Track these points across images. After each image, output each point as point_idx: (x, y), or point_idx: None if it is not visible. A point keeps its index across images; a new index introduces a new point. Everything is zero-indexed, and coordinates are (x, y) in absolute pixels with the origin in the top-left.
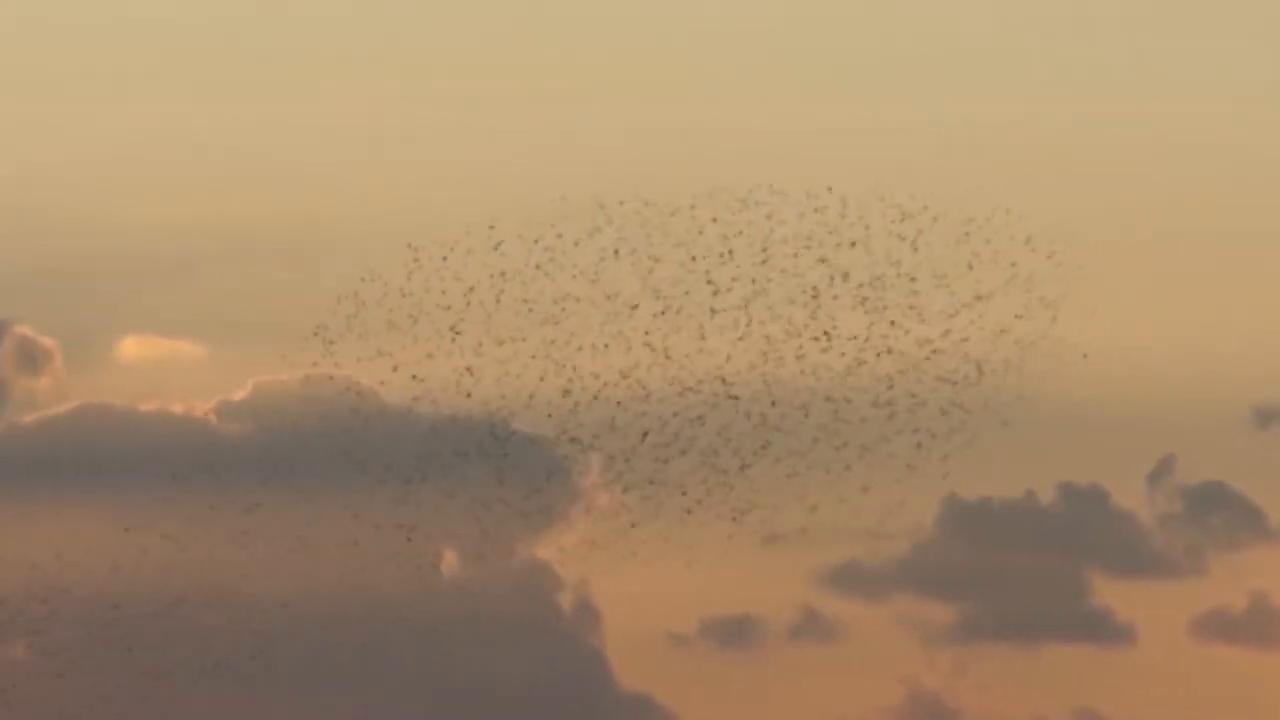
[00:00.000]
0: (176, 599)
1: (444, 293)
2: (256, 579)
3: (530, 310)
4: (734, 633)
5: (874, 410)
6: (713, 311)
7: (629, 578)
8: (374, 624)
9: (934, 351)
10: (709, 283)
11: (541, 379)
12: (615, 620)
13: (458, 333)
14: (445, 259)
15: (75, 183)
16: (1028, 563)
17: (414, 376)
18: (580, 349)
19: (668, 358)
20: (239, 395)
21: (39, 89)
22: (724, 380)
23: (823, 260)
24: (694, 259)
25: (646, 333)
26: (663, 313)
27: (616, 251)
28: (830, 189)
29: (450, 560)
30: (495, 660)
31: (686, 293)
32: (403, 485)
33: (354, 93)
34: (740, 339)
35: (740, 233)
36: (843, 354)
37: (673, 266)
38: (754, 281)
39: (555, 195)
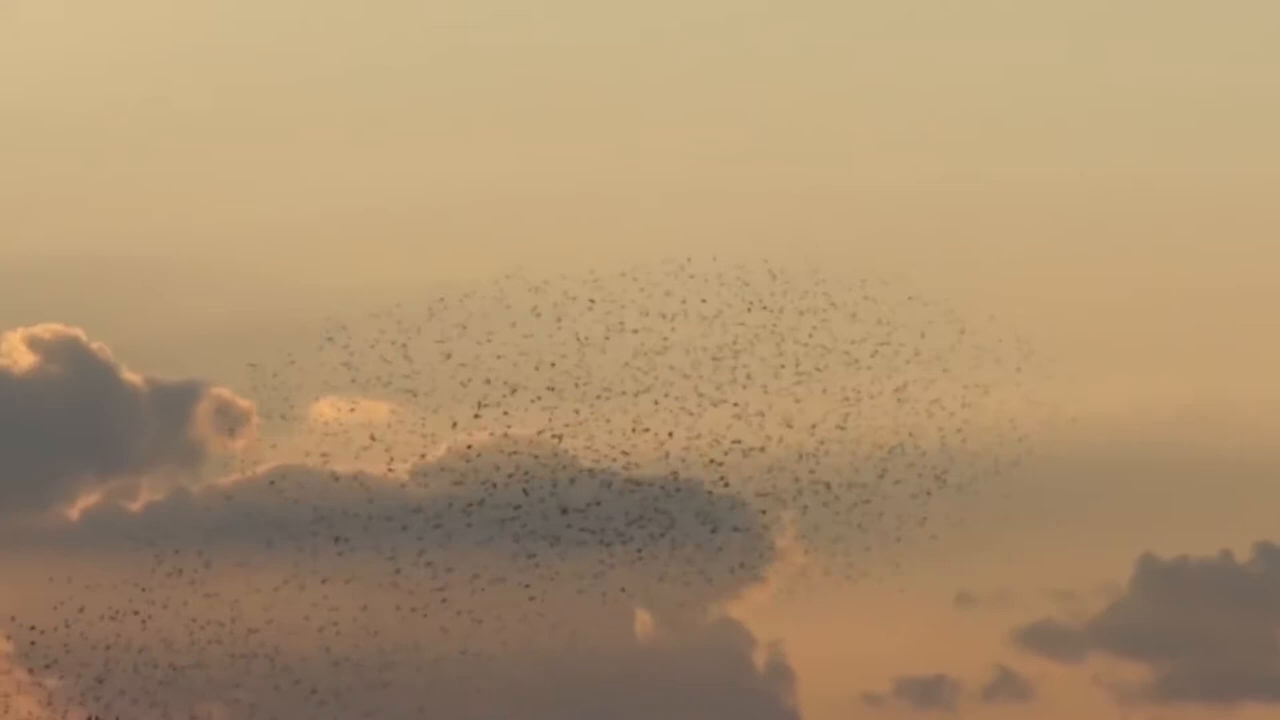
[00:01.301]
0: (371, 658)
1: (636, 356)
2: (450, 638)
3: (722, 370)
4: (929, 693)
5: (1067, 470)
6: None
7: (823, 637)
8: (568, 683)
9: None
10: (896, 347)
11: (737, 440)
12: (809, 680)
13: (645, 392)
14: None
15: (274, 244)
16: (1224, 621)
17: (600, 439)
18: (770, 408)
19: (859, 418)
20: (433, 456)
21: (239, 153)
22: (914, 439)
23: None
24: (883, 324)
25: (845, 397)
26: (857, 371)
27: (803, 312)
28: None
29: (644, 620)
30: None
31: (874, 353)
32: (598, 546)
33: (539, 152)
34: (934, 401)
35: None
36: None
37: (869, 326)
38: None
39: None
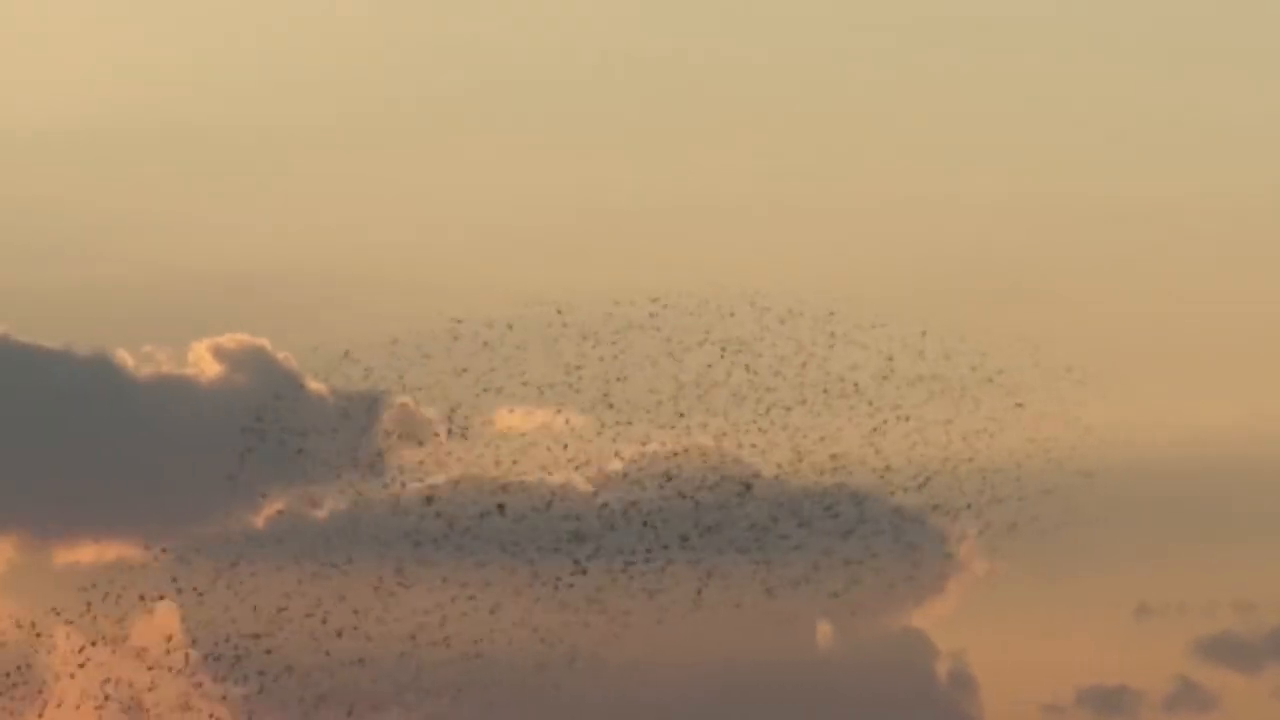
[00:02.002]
0: (549, 665)
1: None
2: (630, 646)
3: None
4: (1110, 703)
5: (1249, 479)
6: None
7: (1005, 647)
8: (748, 693)
9: None
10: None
11: (914, 445)
12: (991, 690)
13: (828, 403)
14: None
15: (455, 253)
16: None
17: (782, 449)
18: (956, 416)
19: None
20: (616, 466)
21: (417, 163)
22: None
23: None
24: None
25: (1018, 403)
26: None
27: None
28: None
29: (824, 630)
30: None
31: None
32: (779, 557)
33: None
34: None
35: None
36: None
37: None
38: None
39: None
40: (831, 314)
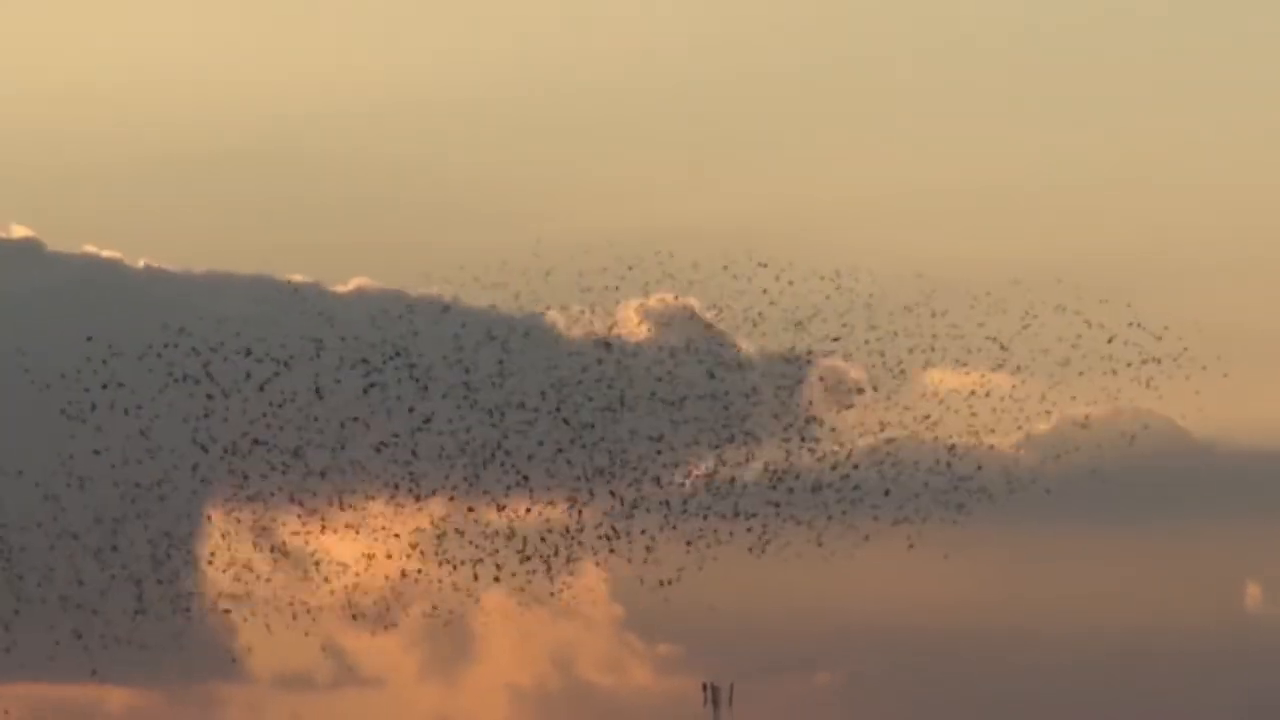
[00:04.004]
0: (973, 630)
1: None
2: (1056, 612)
3: None
4: None
5: None
6: None
7: None
8: (1176, 655)
9: None
10: None
11: None
12: None
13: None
14: None
15: (869, 215)
16: None
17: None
18: None
19: None
20: (1043, 428)
21: (835, 123)
22: None
23: None
24: None
25: None
26: None
27: None
28: None
29: (1254, 592)
30: None
31: None
32: (1207, 519)
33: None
34: None
35: None
36: None
37: None
38: None
39: None
40: None
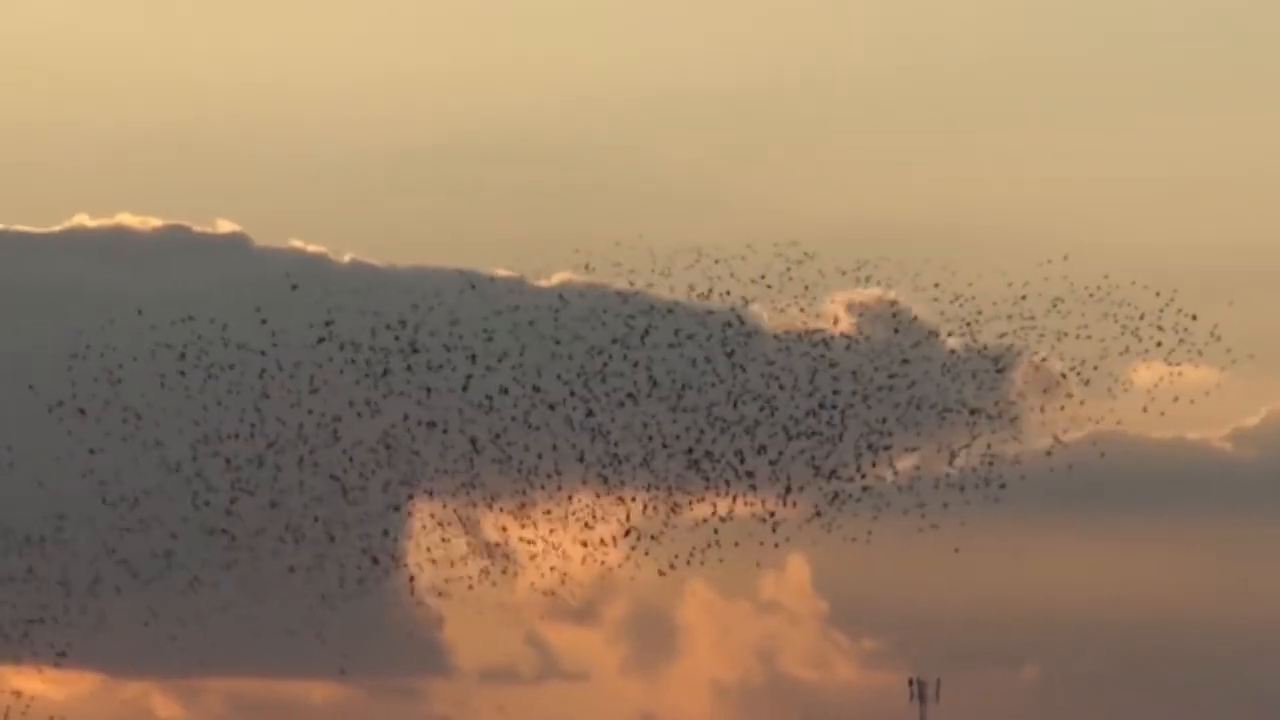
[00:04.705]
0: (1182, 623)
1: None
2: (1267, 606)
3: None
4: None
5: None
6: None
7: None
8: None
9: None
10: None
11: None
12: None
13: None
14: None
15: (1056, 208)
16: None
17: None
18: None
19: None
20: (1252, 422)
21: (1029, 119)
22: None
23: None
24: None
25: None
26: None
27: None
28: None
29: None
30: None
31: None
32: None
33: None
34: None
35: None
36: None
37: None
38: None
39: None
40: None
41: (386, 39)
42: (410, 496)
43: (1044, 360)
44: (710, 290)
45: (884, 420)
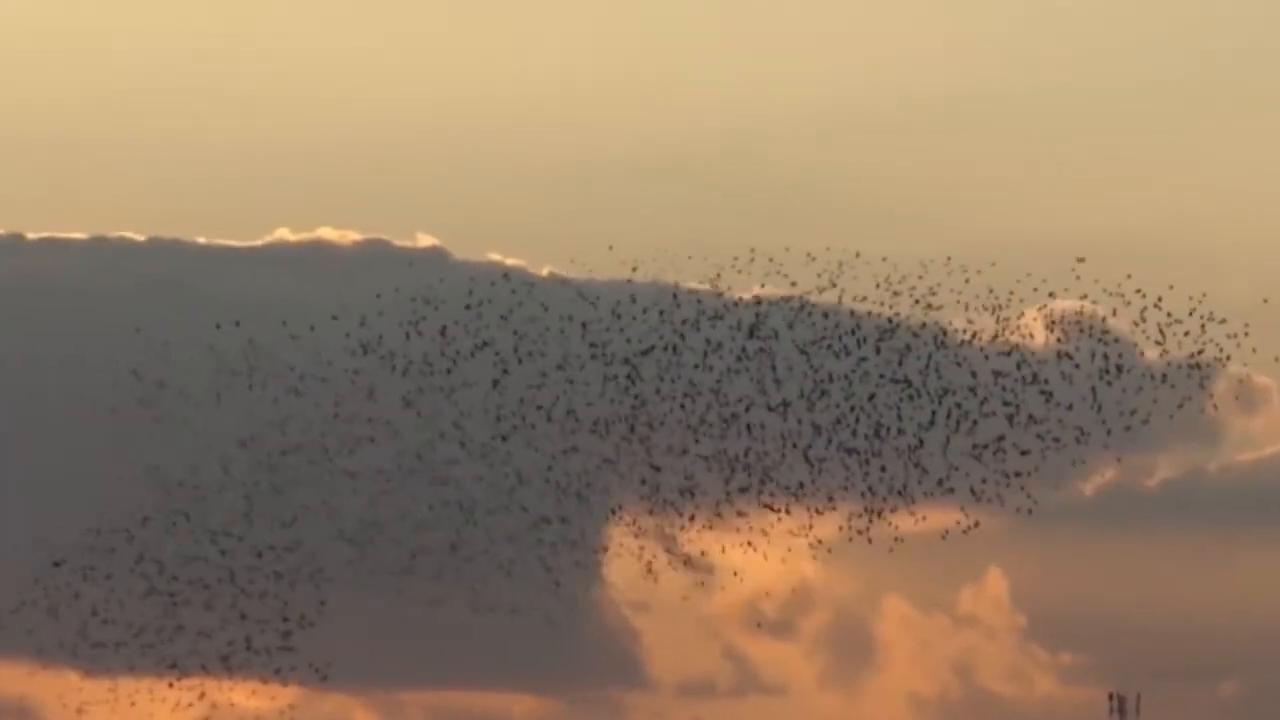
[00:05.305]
0: None
1: None
2: None
3: None
4: None
5: None
6: None
7: None
8: None
9: None
10: None
11: None
12: None
13: None
14: None
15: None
16: None
17: None
18: None
19: None
20: None
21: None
22: None
23: None
24: None
25: None
26: None
27: None
28: None
29: None
30: None
31: None
32: None
33: None
34: None
35: None
36: None
37: None
38: None
39: None
40: None
41: (587, 51)
42: (610, 510)
43: (1245, 372)
44: (916, 302)
45: (1081, 433)
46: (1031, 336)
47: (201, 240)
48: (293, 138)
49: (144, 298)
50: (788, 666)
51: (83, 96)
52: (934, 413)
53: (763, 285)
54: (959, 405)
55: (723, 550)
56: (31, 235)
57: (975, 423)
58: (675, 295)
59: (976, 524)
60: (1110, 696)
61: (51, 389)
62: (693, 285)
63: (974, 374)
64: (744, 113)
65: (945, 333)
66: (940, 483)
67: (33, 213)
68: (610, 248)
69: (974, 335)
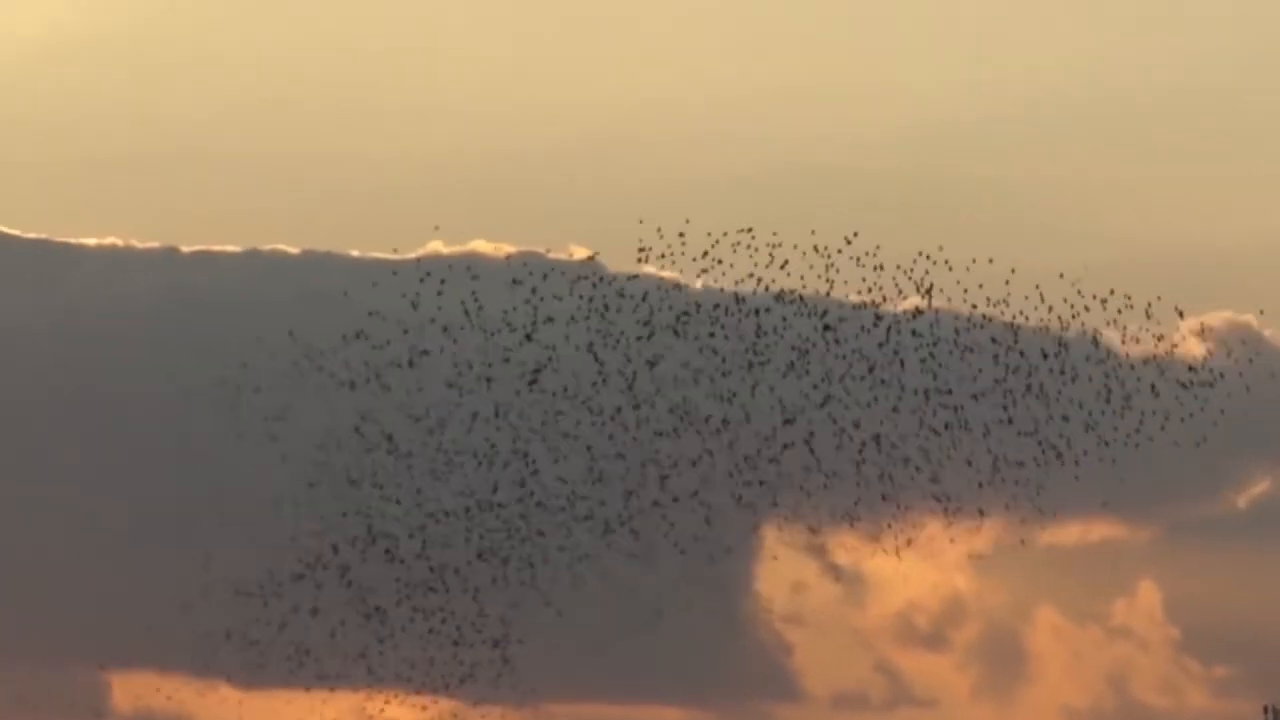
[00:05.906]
0: None
1: None
2: None
3: None
4: None
5: None
6: None
7: None
8: None
9: None
10: None
11: None
12: None
13: None
14: None
15: None
16: None
17: None
18: None
19: None
20: None
21: None
22: None
23: None
24: None
25: None
26: None
27: None
28: None
29: None
30: None
31: None
32: None
33: None
34: None
35: None
36: None
37: None
38: None
39: None
40: None
41: (738, 60)
42: (760, 522)
43: None
44: (1074, 315)
45: (1235, 445)
46: (1189, 348)
47: (355, 253)
48: (446, 150)
49: (298, 310)
50: (940, 679)
51: (237, 110)
52: (1090, 426)
53: (924, 297)
54: (1111, 418)
55: (873, 563)
56: (185, 249)
57: (1117, 436)
58: (826, 309)
59: (1129, 536)
60: (1265, 709)
61: (203, 404)
62: (849, 297)
63: (1152, 387)
64: (896, 124)
65: (1107, 349)
66: (1092, 494)
67: (187, 226)
68: (767, 262)
69: (1129, 347)
